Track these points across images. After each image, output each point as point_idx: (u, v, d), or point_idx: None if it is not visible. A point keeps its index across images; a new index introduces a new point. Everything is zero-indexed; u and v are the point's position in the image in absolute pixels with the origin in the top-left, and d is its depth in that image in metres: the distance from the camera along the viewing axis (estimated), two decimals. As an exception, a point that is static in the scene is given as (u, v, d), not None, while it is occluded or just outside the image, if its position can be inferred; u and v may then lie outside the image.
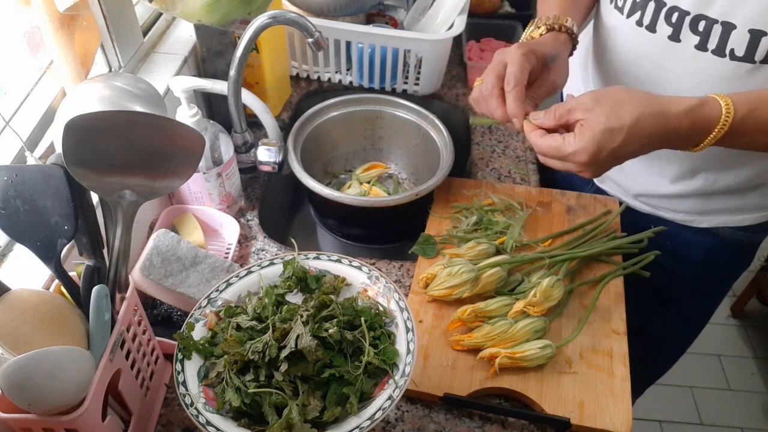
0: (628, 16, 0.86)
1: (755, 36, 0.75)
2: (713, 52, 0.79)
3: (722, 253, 1.02)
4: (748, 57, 0.76)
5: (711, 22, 0.77)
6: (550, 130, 0.73)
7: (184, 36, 1.14)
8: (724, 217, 0.97)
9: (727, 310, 2.26)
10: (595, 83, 1.00)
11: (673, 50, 0.82)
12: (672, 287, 1.08)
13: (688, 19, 0.79)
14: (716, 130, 0.69)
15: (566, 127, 0.73)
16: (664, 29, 0.82)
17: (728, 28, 0.76)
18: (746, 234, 0.99)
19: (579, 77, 1.06)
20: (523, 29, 1.44)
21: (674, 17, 0.80)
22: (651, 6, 0.82)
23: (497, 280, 0.88)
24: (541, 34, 0.86)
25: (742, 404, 2.00)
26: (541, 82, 0.80)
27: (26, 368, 0.54)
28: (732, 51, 0.77)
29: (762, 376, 2.08)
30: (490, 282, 0.87)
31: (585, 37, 1.08)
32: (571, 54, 0.87)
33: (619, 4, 0.88)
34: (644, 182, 1.00)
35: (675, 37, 0.81)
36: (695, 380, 2.05)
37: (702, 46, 0.79)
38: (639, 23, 0.85)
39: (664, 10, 0.81)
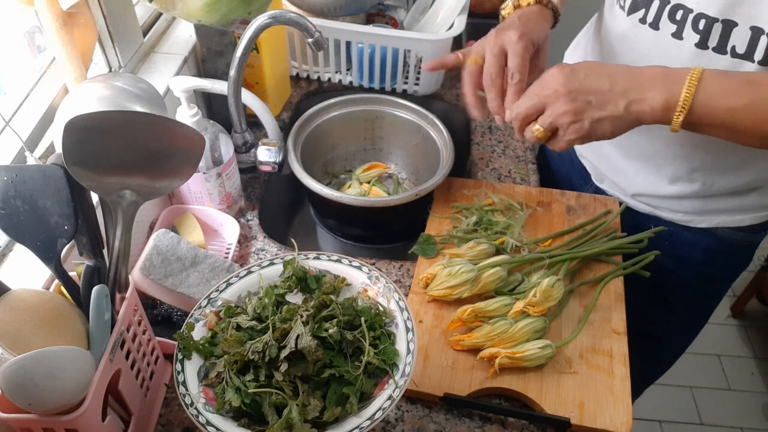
0: (629, 13, 0.87)
1: (756, 34, 0.75)
2: (714, 50, 0.79)
3: (721, 253, 1.02)
4: (749, 55, 0.77)
5: (711, 20, 0.77)
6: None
7: (184, 36, 1.14)
8: (723, 217, 0.97)
9: (727, 310, 2.26)
10: None
11: (676, 48, 0.82)
12: (671, 287, 1.08)
13: (690, 17, 0.80)
14: (689, 77, 0.69)
15: None
16: (667, 27, 0.82)
17: (729, 26, 0.77)
18: (745, 234, 0.99)
19: None
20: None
21: (678, 14, 0.81)
22: (655, 4, 0.83)
23: (497, 280, 0.88)
24: (528, 4, 0.88)
25: (742, 404, 2.00)
26: (531, 68, 0.82)
27: (26, 368, 0.54)
28: (733, 48, 0.77)
29: (762, 376, 2.08)
30: (490, 282, 0.87)
31: (583, 38, 1.08)
32: (555, 21, 0.90)
33: (622, 2, 0.88)
34: (643, 182, 1.00)
35: (678, 35, 0.82)
36: (695, 380, 2.05)
37: (702, 45, 0.80)
38: (642, 21, 0.85)
39: (668, 8, 0.82)
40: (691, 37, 0.80)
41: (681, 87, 0.69)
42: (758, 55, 0.76)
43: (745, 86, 0.70)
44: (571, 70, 0.73)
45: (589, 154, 1.09)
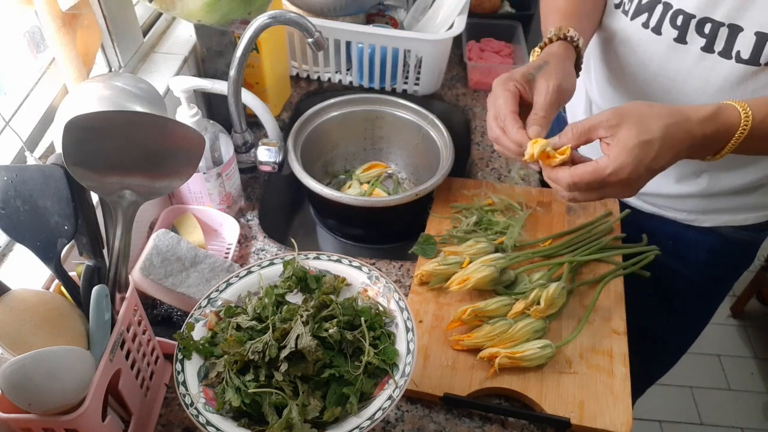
0: (633, 18, 0.87)
1: (761, 39, 0.75)
2: (720, 54, 0.79)
3: (724, 252, 1.02)
4: (754, 60, 0.77)
5: (717, 24, 0.78)
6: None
7: (184, 36, 1.14)
8: (727, 216, 0.97)
9: (727, 310, 2.26)
10: (599, 87, 1.00)
11: (680, 52, 0.82)
12: (674, 287, 1.08)
13: (693, 22, 0.80)
14: (737, 135, 0.69)
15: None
16: (669, 32, 0.82)
17: (735, 30, 0.77)
18: (749, 233, 1.00)
19: (581, 82, 1.06)
20: (523, 29, 1.44)
21: (679, 20, 0.81)
22: (659, 9, 0.83)
23: (490, 261, 0.87)
24: (537, 55, 0.84)
25: (742, 404, 2.00)
26: (539, 91, 0.76)
27: (26, 368, 0.54)
28: (738, 53, 0.77)
29: (762, 376, 2.08)
30: (482, 270, 0.86)
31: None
32: (578, 61, 0.83)
33: (626, 7, 0.88)
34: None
35: (681, 39, 0.82)
36: (695, 380, 2.05)
37: (708, 48, 0.80)
38: (645, 25, 0.85)
39: (669, 13, 0.82)
40: (696, 41, 0.80)
41: (727, 142, 0.70)
42: (765, 58, 0.76)
43: None
44: (641, 155, 0.66)
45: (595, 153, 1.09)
